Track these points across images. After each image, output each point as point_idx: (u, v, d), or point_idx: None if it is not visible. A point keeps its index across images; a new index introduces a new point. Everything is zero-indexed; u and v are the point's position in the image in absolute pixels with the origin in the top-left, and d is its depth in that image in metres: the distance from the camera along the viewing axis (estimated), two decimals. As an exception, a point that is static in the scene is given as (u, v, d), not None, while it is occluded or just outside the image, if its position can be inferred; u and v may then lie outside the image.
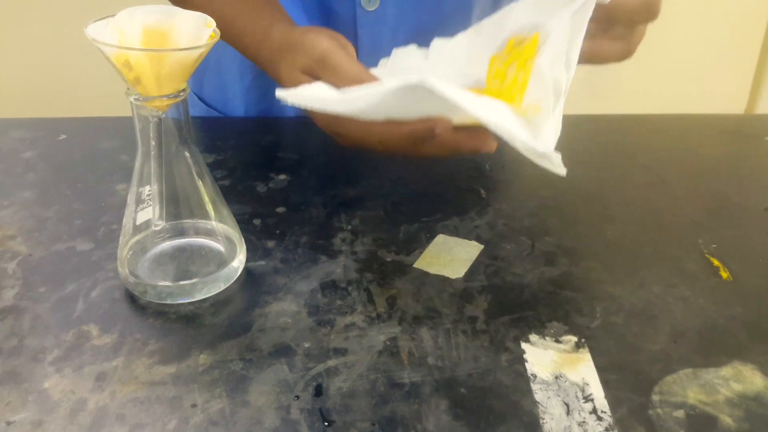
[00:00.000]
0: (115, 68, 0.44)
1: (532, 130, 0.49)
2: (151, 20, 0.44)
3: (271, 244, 0.56)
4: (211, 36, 0.45)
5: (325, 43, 0.55)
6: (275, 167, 0.68)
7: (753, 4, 1.84)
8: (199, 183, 0.51)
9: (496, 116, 0.45)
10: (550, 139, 0.48)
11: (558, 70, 0.50)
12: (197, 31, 0.45)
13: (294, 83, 0.57)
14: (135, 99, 0.45)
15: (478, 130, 0.50)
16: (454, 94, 0.43)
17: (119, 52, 0.43)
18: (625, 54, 0.57)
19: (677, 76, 1.87)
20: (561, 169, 0.47)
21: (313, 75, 0.56)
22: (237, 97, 0.81)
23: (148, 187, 0.50)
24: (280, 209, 0.61)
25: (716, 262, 0.55)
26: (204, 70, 0.81)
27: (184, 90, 0.46)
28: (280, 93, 0.49)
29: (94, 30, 0.43)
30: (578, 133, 0.76)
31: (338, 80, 0.54)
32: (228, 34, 0.66)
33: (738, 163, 0.72)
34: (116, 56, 0.43)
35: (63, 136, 0.73)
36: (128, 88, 0.45)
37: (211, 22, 0.45)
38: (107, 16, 0.45)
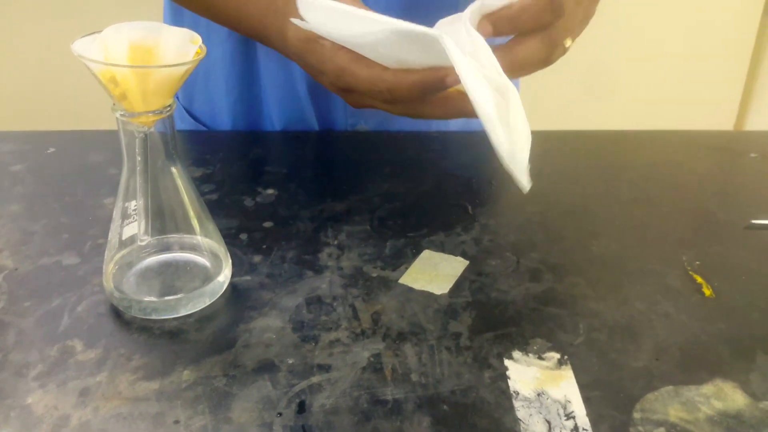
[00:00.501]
0: (101, 84, 0.44)
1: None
2: (137, 36, 0.45)
3: (257, 258, 0.56)
4: (197, 52, 0.45)
5: (333, 65, 0.55)
6: (263, 181, 0.68)
7: (741, 20, 1.86)
8: (185, 198, 0.51)
9: (487, 106, 0.45)
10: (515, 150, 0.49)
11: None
12: (183, 48, 0.45)
13: (302, 35, 0.56)
14: (121, 115, 0.45)
15: None
16: (462, 64, 0.45)
17: (105, 69, 0.43)
18: (545, 60, 0.56)
19: (666, 92, 1.88)
20: (524, 183, 0.48)
21: (346, 90, 0.56)
22: (224, 111, 0.81)
23: (133, 202, 0.50)
24: (267, 224, 0.61)
25: (699, 279, 0.55)
26: (193, 84, 0.82)
27: (170, 106, 0.46)
28: (295, 20, 0.50)
29: (81, 46, 0.44)
30: (565, 149, 0.77)
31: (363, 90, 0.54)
32: (226, 12, 0.66)
33: (724, 180, 0.72)
34: (102, 72, 0.43)
35: (51, 150, 0.73)
36: (114, 104, 0.45)
37: (197, 39, 0.45)
38: (93, 32, 0.45)
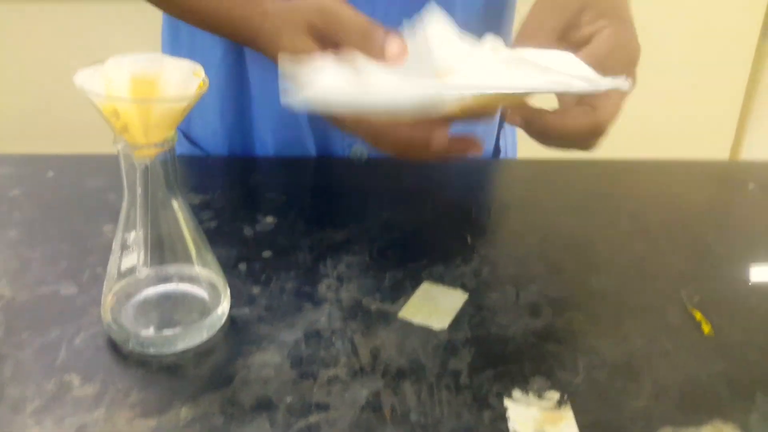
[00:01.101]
0: (102, 116, 0.44)
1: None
2: (139, 69, 0.45)
3: (256, 290, 0.56)
4: (199, 86, 0.45)
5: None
6: (263, 208, 0.68)
7: (737, 50, 1.87)
8: (185, 229, 0.51)
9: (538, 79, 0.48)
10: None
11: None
12: (186, 80, 0.45)
13: (297, 49, 0.56)
14: (122, 147, 0.45)
15: (466, 136, 0.52)
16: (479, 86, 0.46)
17: (107, 101, 0.43)
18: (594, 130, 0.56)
19: (662, 119, 1.89)
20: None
21: (317, 32, 0.56)
22: (219, 133, 0.81)
23: (133, 233, 0.50)
24: (266, 253, 0.61)
25: (699, 316, 0.55)
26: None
27: (171, 138, 0.46)
28: (288, 99, 0.47)
29: (83, 78, 0.44)
30: (563, 178, 0.77)
31: (344, 31, 0.54)
32: (214, 19, 0.66)
33: (722, 212, 0.72)
34: (104, 105, 0.43)
35: (50, 174, 0.73)
36: (115, 136, 0.45)
37: (200, 71, 0.45)
38: (95, 63, 0.45)
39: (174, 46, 0.82)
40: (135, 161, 0.46)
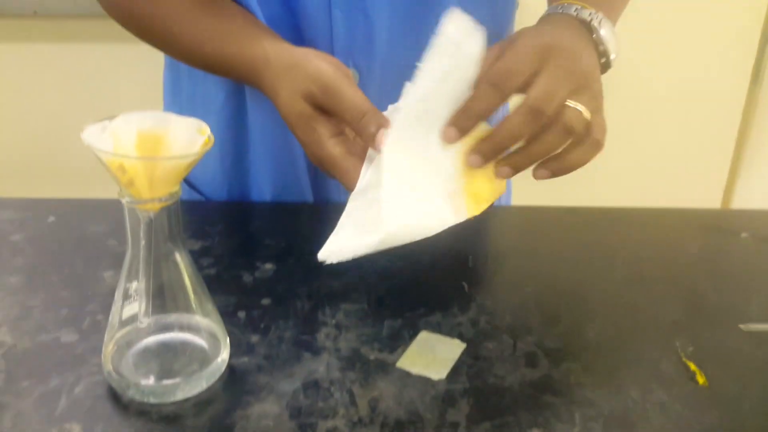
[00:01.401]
0: (109, 171, 0.45)
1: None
2: (146, 126, 0.46)
3: (255, 338, 0.56)
4: (204, 142, 0.46)
5: (327, 68, 0.57)
6: (262, 255, 0.68)
7: (728, 98, 1.90)
8: (186, 280, 0.51)
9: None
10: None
11: None
12: (191, 137, 0.46)
13: (294, 109, 0.59)
14: (128, 201, 0.46)
15: None
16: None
17: (114, 157, 0.44)
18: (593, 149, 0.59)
19: (654, 168, 1.91)
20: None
21: (314, 101, 0.58)
22: (218, 178, 0.82)
23: (135, 283, 0.51)
24: (266, 301, 0.61)
25: (693, 366, 0.56)
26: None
27: (175, 192, 0.47)
28: (322, 256, 0.55)
29: (90, 133, 0.45)
30: (558, 226, 0.78)
31: (341, 109, 0.56)
32: (216, 59, 0.68)
33: (715, 260, 0.73)
34: (110, 161, 0.44)
35: (52, 218, 0.73)
36: (121, 190, 0.46)
37: (205, 129, 0.46)
38: (104, 119, 0.46)
39: (174, 91, 0.84)
40: (139, 214, 0.47)
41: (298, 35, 0.71)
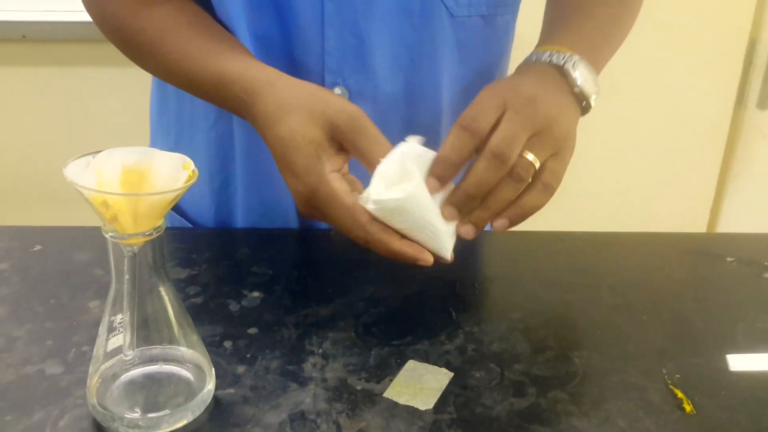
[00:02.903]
0: (92, 207, 0.45)
1: None
2: (130, 161, 0.46)
3: (241, 369, 0.56)
4: (188, 177, 0.46)
5: (354, 107, 0.59)
6: (248, 283, 0.68)
7: (713, 122, 1.92)
8: (171, 312, 0.51)
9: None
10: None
11: None
12: (175, 172, 0.46)
13: (307, 133, 0.58)
14: (111, 236, 0.46)
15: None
16: None
17: (97, 194, 0.44)
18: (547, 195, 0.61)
19: (639, 193, 1.92)
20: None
21: (334, 132, 0.59)
22: (205, 201, 0.81)
23: (120, 316, 0.50)
24: (252, 330, 0.61)
25: (680, 394, 0.56)
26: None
27: (159, 227, 0.47)
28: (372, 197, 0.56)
29: (73, 169, 0.45)
30: (544, 251, 0.78)
31: (365, 143, 0.58)
32: (207, 77, 0.66)
33: (702, 285, 0.74)
34: (94, 197, 0.44)
35: (38, 247, 0.73)
36: (104, 225, 0.46)
37: (189, 164, 0.46)
38: (87, 154, 0.46)
39: (161, 111, 0.84)
40: (123, 248, 0.47)
41: (288, 52, 0.71)
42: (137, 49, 0.71)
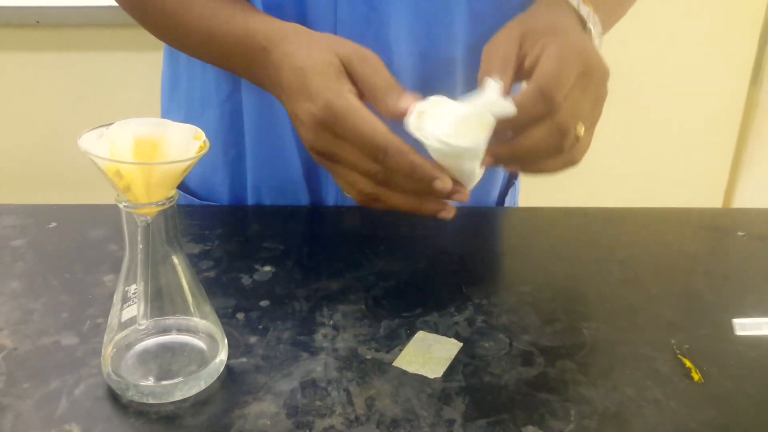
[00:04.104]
0: (106, 177, 0.46)
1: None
2: (142, 132, 0.46)
3: (253, 339, 0.57)
4: (200, 147, 0.47)
5: (368, 51, 0.60)
6: (261, 258, 0.69)
7: (728, 98, 1.90)
8: (184, 282, 0.52)
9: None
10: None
11: None
12: (186, 143, 0.47)
13: (324, 58, 0.59)
14: (125, 206, 0.47)
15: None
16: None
17: (110, 163, 0.45)
18: (556, 149, 0.60)
19: (654, 169, 1.92)
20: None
21: (348, 65, 0.59)
22: (218, 177, 0.82)
23: (134, 286, 0.51)
24: (264, 302, 0.62)
25: (688, 363, 0.56)
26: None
27: (172, 197, 0.48)
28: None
29: (87, 140, 0.45)
30: (555, 227, 0.79)
31: (374, 81, 0.59)
32: (224, 33, 0.67)
33: (713, 260, 0.74)
34: (107, 167, 0.45)
35: (53, 224, 0.74)
36: (118, 195, 0.47)
37: (201, 134, 0.47)
38: (100, 126, 0.47)
39: (173, 87, 0.84)
40: (136, 218, 0.48)
41: (301, 20, 0.71)
42: (151, 15, 0.72)
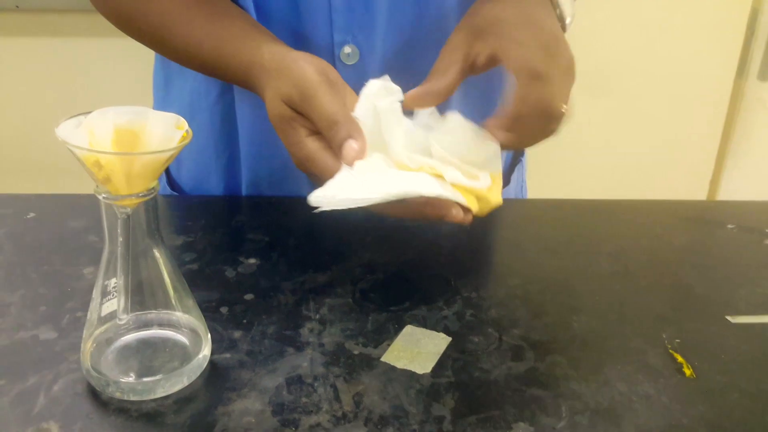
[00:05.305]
0: (84, 167, 0.44)
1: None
2: (122, 120, 0.45)
3: (237, 334, 0.56)
4: (182, 137, 0.45)
5: (310, 73, 0.57)
6: (245, 250, 0.68)
7: (714, 91, 1.91)
8: (165, 276, 0.51)
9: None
10: None
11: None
12: (168, 132, 0.45)
13: (276, 111, 0.59)
14: (104, 197, 0.45)
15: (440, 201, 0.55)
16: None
17: (89, 153, 0.43)
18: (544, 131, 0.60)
19: (640, 161, 1.92)
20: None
21: (292, 106, 0.58)
22: (213, 179, 0.81)
23: (114, 280, 0.50)
24: (248, 296, 0.61)
25: (680, 358, 0.55)
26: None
27: (153, 188, 0.46)
28: (314, 200, 0.53)
29: (65, 129, 0.44)
30: (544, 219, 0.78)
31: (314, 116, 0.56)
32: (212, 61, 0.67)
33: (702, 253, 0.73)
34: (86, 157, 0.43)
35: (31, 214, 0.72)
36: (97, 186, 0.45)
37: (183, 124, 0.46)
38: (79, 114, 0.45)
39: (166, 88, 0.82)
40: (116, 210, 0.46)
41: (295, 11, 0.70)
42: (138, 34, 0.71)
